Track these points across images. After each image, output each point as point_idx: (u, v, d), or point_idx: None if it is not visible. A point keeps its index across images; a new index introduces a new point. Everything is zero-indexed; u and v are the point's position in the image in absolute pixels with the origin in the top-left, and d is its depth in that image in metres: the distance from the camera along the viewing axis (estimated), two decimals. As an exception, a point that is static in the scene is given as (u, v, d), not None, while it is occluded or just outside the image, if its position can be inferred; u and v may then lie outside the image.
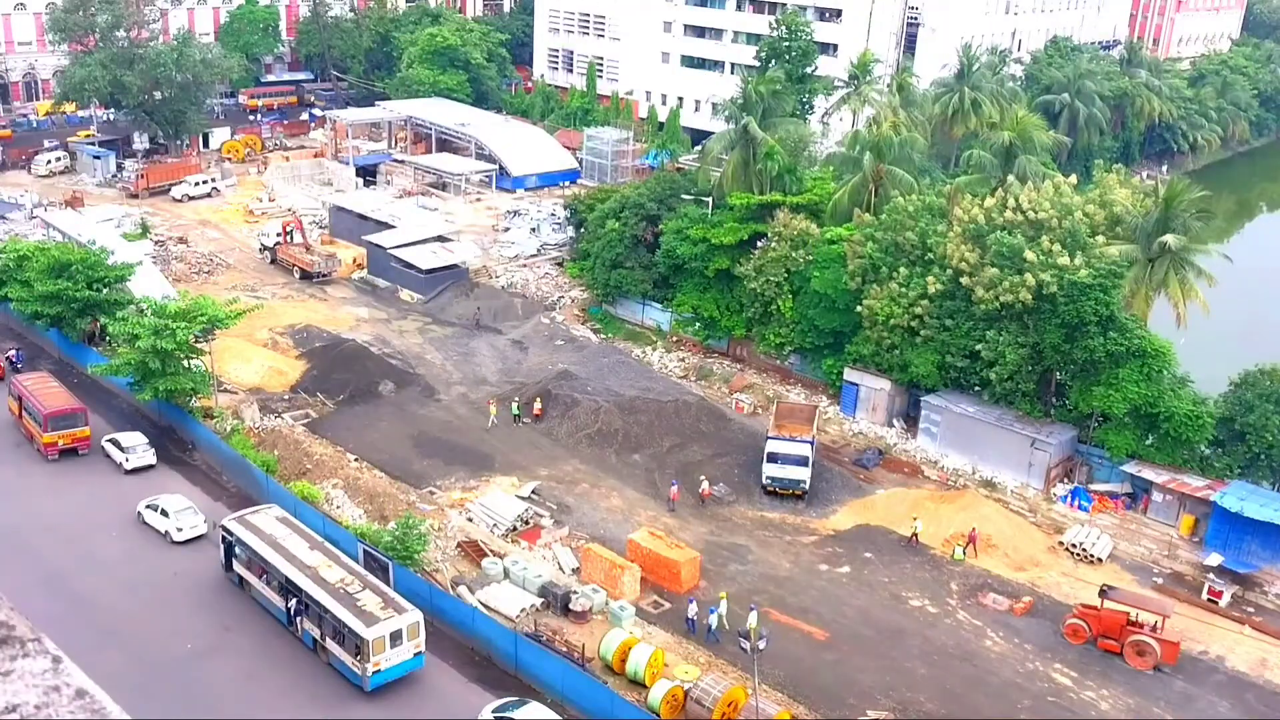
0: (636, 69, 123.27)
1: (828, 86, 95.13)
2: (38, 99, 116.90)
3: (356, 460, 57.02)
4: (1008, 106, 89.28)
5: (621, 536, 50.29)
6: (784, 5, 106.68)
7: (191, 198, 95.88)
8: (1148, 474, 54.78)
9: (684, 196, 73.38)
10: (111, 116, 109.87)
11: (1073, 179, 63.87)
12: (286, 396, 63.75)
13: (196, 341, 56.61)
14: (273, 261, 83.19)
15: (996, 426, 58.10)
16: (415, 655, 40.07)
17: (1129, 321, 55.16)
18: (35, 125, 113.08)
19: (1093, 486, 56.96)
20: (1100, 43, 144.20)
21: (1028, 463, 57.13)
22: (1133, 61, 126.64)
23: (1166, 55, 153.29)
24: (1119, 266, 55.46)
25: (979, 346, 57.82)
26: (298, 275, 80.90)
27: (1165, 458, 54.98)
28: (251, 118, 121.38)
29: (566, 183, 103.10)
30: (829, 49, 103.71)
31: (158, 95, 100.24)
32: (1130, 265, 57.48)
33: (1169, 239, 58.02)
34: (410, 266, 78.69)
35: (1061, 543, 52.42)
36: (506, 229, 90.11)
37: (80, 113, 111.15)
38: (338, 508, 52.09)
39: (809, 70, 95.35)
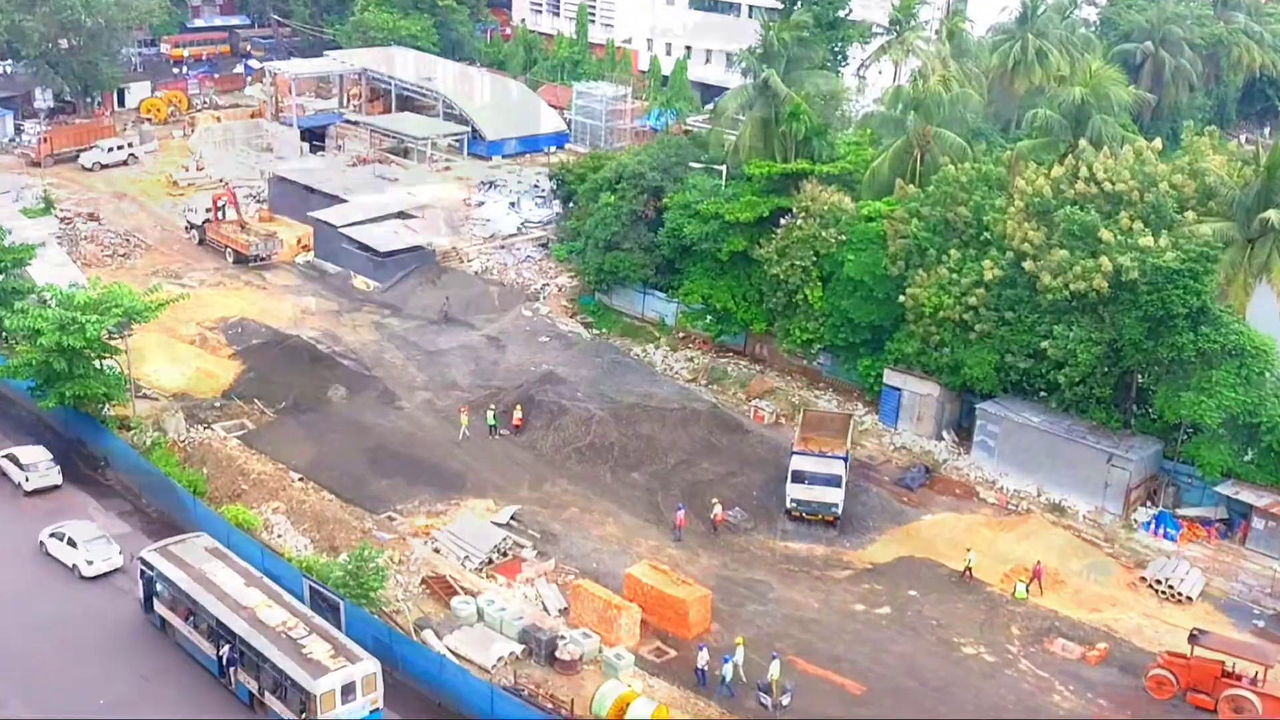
0: (636, 12, 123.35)
1: (864, 33, 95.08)
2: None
3: (301, 480, 57.00)
4: (1079, 57, 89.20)
5: (618, 571, 50.26)
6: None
7: (104, 166, 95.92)
8: (1247, 496, 54.73)
9: (692, 165, 73.36)
10: (9, 69, 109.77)
11: (1157, 143, 63.81)
12: (218, 403, 63.79)
13: (110, 338, 56.63)
14: (201, 242, 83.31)
15: (1066, 439, 58.07)
16: (372, 712, 40.08)
17: (1224, 314, 55.12)
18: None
19: (1181, 511, 56.92)
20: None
21: (1103, 483, 57.07)
22: (1228, 4, 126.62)
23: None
24: (1212, 248, 55.40)
25: (1045, 344, 57.75)
26: (231, 258, 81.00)
27: (1268, 477, 54.90)
28: (176, 71, 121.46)
29: (552, 148, 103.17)
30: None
31: (64, 44, 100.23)
32: (1226, 246, 57.41)
33: (1272, 215, 57.94)
34: (365, 249, 78.81)
35: (1143, 578, 52.37)
36: (480, 204, 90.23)
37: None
38: (279, 536, 52.11)
39: (842, 14, 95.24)
